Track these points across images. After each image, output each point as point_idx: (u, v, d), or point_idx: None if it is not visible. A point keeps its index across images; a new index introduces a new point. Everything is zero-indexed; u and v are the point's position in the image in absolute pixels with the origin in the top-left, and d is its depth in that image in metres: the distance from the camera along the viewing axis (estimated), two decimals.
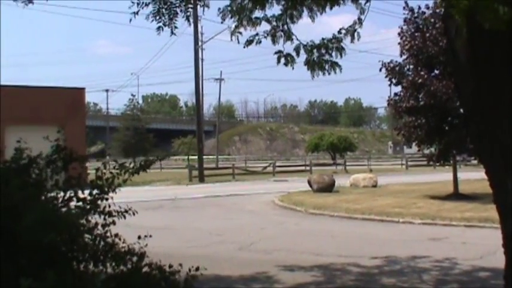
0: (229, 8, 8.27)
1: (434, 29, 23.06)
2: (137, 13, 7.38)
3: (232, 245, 15.11)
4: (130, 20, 7.48)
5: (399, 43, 24.06)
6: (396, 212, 19.97)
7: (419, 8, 23.99)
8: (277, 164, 55.21)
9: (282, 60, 8.61)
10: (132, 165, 6.71)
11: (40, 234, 5.41)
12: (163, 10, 7.37)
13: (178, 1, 7.44)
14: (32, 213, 5.54)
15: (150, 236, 6.59)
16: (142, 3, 7.35)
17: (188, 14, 7.58)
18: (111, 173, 6.56)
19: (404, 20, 24.15)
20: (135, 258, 6.18)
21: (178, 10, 7.44)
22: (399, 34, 24.12)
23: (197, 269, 6.37)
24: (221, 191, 32.41)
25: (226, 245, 15.10)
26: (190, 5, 7.62)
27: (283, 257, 13.19)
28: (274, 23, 8.47)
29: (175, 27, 7.52)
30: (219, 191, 32.49)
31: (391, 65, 24.29)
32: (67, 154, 6.62)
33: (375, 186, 31.71)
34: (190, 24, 7.93)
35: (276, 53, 8.60)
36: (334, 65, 8.63)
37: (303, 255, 13.52)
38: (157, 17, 7.39)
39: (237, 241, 15.55)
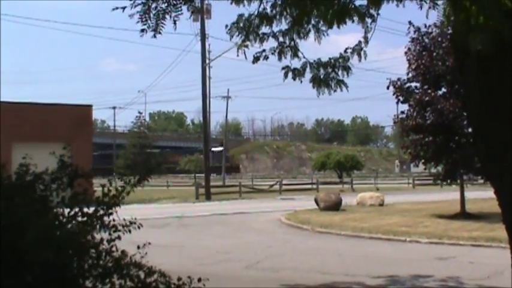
0: (235, 25, 8.30)
1: (441, 48, 23.09)
2: (124, 9, 7.33)
3: (239, 263, 15.08)
4: (120, 8, 7.38)
5: (407, 59, 24.06)
6: (403, 231, 19.90)
7: (426, 26, 24.01)
8: (283, 182, 55.07)
9: (290, 75, 8.62)
10: (133, 179, 6.75)
11: (42, 251, 5.40)
12: (151, 14, 7.34)
13: (169, 7, 7.42)
14: (35, 230, 5.53)
15: (145, 247, 6.62)
16: (134, 3, 7.31)
17: (176, 19, 7.54)
18: (116, 189, 6.58)
19: (412, 40, 24.17)
20: (142, 275, 6.17)
21: (168, 16, 7.42)
22: (406, 53, 24.15)
23: (199, 280, 6.37)
24: (228, 209, 32.36)
25: (233, 263, 15.07)
26: (179, 12, 7.58)
27: (289, 276, 13.15)
28: (281, 39, 8.48)
29: (159, 33, 7.48)
30: (225, 209, 32.45)
31: (399, 82, 24.32)
32: (72, 170, 6.63)
33: (381, 205, 31.62)
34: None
35: (283, 68, 8.61)
36: (340, 82, 8.63)
37: (309, 273, 13.48)
38: (144, 19, 7.35)
39: (244, 259, 15.52)
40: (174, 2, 7.42)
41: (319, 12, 7.65)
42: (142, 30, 7.40)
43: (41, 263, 5.42)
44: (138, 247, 6.51)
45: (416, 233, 19.44)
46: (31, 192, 6.32)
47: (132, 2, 7.30)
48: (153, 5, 7.35)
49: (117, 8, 7.32)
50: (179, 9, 7.49)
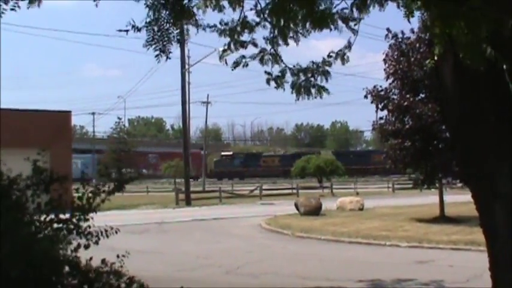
0: (220, 28, 8.33)
1: (419, 53, 23.27)
2: (127, 32, 7.39)
3: (219, 268, 15.06)
4: (123, 30, 7.46)
5: (384, 69, 24.26)
6: (383, 235, 19.97)
7: (403, 33, 24.20)
8: (264, 187, 55.00)
9: (272, 83, 8.63)
10: (108, 186, 6.69)
11: (15, 266, 5.34)
12: (157, 37, 7.41)
13: (172, 28, 7.48)
14: (9, 244, 5.47)
15: (125, 257, 6.56)
16: (135, 27, 7.38)
17: (179, 38, 7.65)
18: (91, 192, 6.53)
19: (390, 46, 24.33)
20: (123, 285, 6.12)
21: (171, 36, 7.48)
22: (384, 60, 24.31)
23: None
24: (208, 215, 32.25)
25: (213, 269, 15.04)
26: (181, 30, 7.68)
27: (270, 281, 13.16)
28: (263, 46, 8.51)
29: (170, 52, 7.56)
30: (205, 215, 32.33)
31: (376, 90, 24.42)
32: (47, 175, 6.55)
33: (361, 209, 31.69)
34: (178, 47, 8.01)
35: (266, 72, 8.61)
36: (321, 89, 8.64)
37: (289, 278, 13.49)
38: (154, 45, 7.43)
39: (224, 265, 15.50)
40: (175, 21, 7.49)
41: (300, 20, 7.71)
42: (157, 56, 7.48)
43: (15, 278, 5.35)
44: (118, 256, 6.46)
45: (396, 237, 19.52)
46: (7, 199, 6.24)
47: (132, 25, 7.38)
48: (156, 27, 7.43)
49: (120, 31, 7.41)
50: (181, 28, 7.60)
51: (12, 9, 7.15)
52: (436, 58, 6.07)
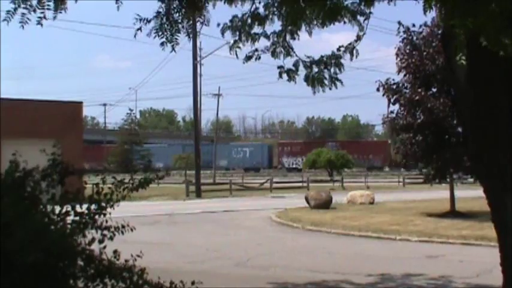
0: (229, 24, 8.32)
1: (431, 47, 23.16)
2: (140, 29, 7.45)
3: (228, 261, 15.08)
4: (135, 35, 7.57)
5: (396, 63, 24.16)
6: (393, 229, 19.94)
7: (414, 25, 24.12)
8: (274, 180, 54.96)
9: (284, 76, 8.61)
10: (130, 182, 6.66)
11: (30, 253, 5.36)
12: (166, 26, 7.42)
13: (181, 17, 7.50)
14: (22, 231, 5.48)
15: (140, 257, 6.56)
16: (145, 19, 7.42)
17: (190, 30, 7.66)
18: (109, 188, 6.52)
19: (402, 39, 24.22)
20: (135, 276, 6.12)
21: (180, 26, 7.50)
22: (396, 54, 24.20)
23: (193, 283, 6.34)
24: (218, 207, 32.26)
25: (223, 261, 15.07)
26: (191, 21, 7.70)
27: (279, 274, 13.17)
28: (275, 39, 8.49)
29: (177, 43, 7.58)
30: (216, 207, 32.35)
31: (388, 83, 24.35)
32: (63, 168, 6.56)
33: (372, 203, 31.63)
34: (190, 40, 8.00)
35: (278, 67, 8.60)
36: (335, 79, 8.62)
37: (299, 271, 13.50)
38: (160, 33, 7.44)
39: (234, 257, 15.53)
40: (184, 11, 7.51)
41: (312, 12, 7.67)
42: (162, 44, 7.51)
43: (30, 264, 5.37)
44: (132, 255, 6.44)
45: (406, 231, 19.49)
46: (21, 190, 6.25)
47: (142, 19, 7.43)
48: (165, 18, 7.47)
49: (138, 30, 7.48)
50: (190, 19, 7.62)
51: (38, 23, 7.15)
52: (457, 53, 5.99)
